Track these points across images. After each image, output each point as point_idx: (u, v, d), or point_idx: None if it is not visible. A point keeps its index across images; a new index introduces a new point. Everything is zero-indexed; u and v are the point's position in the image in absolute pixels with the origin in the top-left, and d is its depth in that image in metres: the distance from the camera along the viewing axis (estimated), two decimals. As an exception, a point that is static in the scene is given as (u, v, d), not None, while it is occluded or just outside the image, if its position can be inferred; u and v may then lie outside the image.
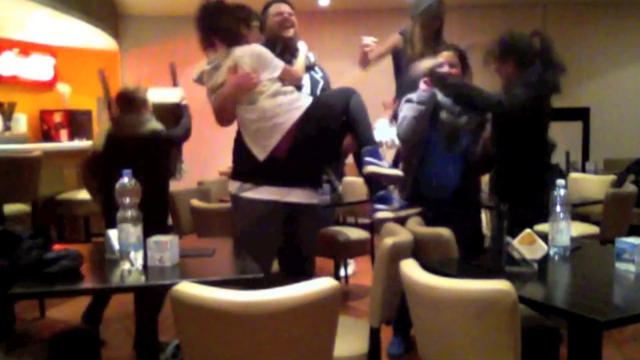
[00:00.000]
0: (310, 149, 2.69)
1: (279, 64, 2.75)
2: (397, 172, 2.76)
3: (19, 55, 6.44)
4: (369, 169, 2.66)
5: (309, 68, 3.05)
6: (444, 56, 3.15)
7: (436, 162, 3.14)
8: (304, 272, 2.84)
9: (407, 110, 3.08)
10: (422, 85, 3.08)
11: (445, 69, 3.08)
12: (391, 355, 3.30)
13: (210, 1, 2.83)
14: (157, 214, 3.30)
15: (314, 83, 3.04)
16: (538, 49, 3.06)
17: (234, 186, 2.81)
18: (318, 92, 3.02)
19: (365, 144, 2.71)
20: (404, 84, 3.65)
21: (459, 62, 3.18)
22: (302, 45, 3.04)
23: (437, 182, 3.12)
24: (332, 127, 2.71)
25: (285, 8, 3.05)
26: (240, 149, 2.81)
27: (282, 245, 2.89)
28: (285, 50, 2.97)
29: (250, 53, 2.74)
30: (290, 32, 3.01)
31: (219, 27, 2.78)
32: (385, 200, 2.75)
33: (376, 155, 2.70)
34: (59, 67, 6.88)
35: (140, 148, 3.38)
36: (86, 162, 3.66)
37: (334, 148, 2.87)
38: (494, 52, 3.07)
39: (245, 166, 2.78)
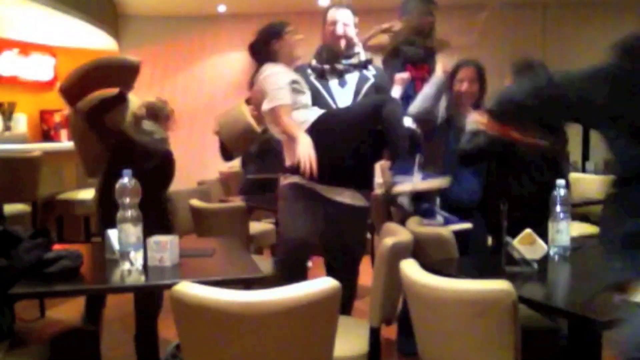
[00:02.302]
0: (330, 156, 2.68)
1: (275, 99, 2.71)
2: (431, 184, 2.72)
3: (19, 55, 6.44)
4: (396, 190, 2.68)
5: (359, 66, 2.99)
6: (464, 72, 3.07)
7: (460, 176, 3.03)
8: (351, 274, 2.89)
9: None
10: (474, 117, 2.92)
11: (465, 86, 3.04)
12: (404, 353, 3.29)
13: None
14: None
15: (361, 79, 2.98)
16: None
17: (282, 178, 2.96)
18: (364, 89, 2.96)
19: (395, 156, 2.72)
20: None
21: (477, 77, 3.07)
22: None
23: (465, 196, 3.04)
24: (351, 135, 2.71)
25: (341, 16, 2.96)
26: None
27: (330, 246, 2.94)
28: (335, 57, 2.95)
29: (263, 77, 2.79)
30: (341, 45, 2.95)
31: (250, 48, 2.91)
32: (429, 213, 2.76)
33: (408, 170, 2.69)
34: (59, 67, 6.87)
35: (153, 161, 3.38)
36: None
37: (365, 153, 2.82)
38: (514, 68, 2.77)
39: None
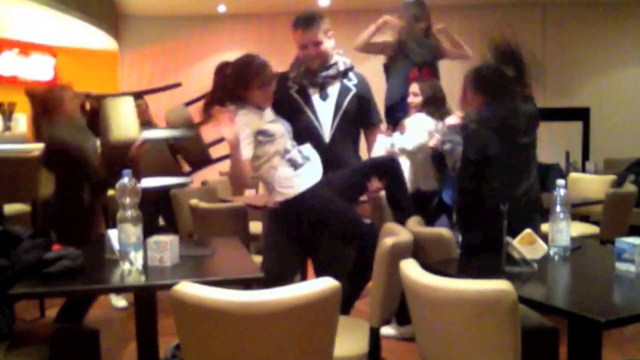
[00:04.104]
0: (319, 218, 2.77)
1: (244, 147, 2.65)
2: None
3: (19, 55, 6.44)
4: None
5: (339, 76, 2.94)
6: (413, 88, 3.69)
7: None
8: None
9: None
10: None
11: (411, 98, 3.67)
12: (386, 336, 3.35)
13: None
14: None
15: (342, 91, 2.93)
16: (509, 81, 2.80)
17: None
18: (346, 102, 2.91)
19: (403, 217, 2.76)
20: (391, 90, 4.11)
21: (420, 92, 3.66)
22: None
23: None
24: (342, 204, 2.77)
25: (309, 38, 2.83)
26: None
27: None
28: (312, 73, 2.91)
29: (239, 125, 2.68)
30: (316, 64, 2.89)
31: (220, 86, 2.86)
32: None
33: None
34: (59, 67, 6.88)
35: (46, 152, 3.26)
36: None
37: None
38: (468, 80, 2.88)
39: None
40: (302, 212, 2.73)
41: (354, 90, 2.95)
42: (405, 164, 3.42)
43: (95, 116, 3.62)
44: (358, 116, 2.97)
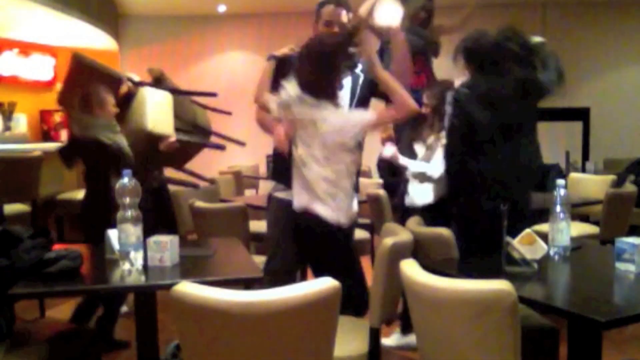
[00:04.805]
0: None
1: None
2: None
3: (19, 55, 6.44)
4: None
5: (352, 67, 2.86)
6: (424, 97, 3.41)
7: None
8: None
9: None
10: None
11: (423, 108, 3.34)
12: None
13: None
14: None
15: (354, 80, 2.87)
16: (509, 54, 2.75)
17: (270, 186, 2.96)
18: (358, 88, 2.86)
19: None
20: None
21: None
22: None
23: None
24: None
25: (338, 16, 2.77)
26: (275, 149, 2.83)
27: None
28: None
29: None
30: None
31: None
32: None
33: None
34: (59, 67, 6.87)
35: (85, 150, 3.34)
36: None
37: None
38: (459, 51, 2.89)
39: (281, 166, 2.81)
40: (305, 234, 2.63)
41: (362, 76, 2.89)
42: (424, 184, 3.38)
43: (128, 100, 3.67)
44: (370, 99, 2.91)
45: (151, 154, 3.68)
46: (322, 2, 2.85)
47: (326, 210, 2.47)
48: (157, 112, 3.79)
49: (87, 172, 3.38)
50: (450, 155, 2.98)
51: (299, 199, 2.54)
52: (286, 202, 2.75)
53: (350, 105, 2.86)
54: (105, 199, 3.12)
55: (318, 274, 2.64)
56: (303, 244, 2.66)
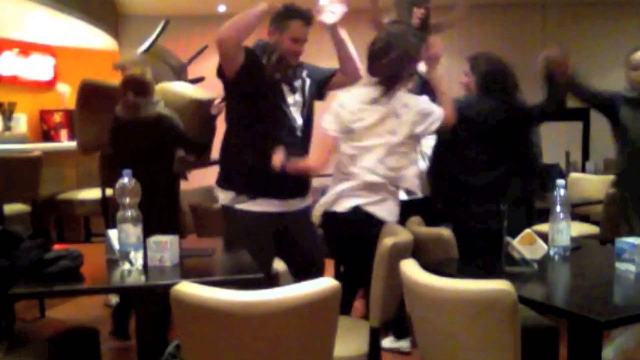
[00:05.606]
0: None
1: None
2: None
3: (19, 55, 6.43)
4: None
5: (298, 76, 2.87)
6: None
7: None
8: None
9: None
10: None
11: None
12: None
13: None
14: (164, 210, 3.29)
15: (303, 85, 2.87)
16: (508, 82, 2.92)
17: (227, 197, 2.78)
18: (307, 92, 2.85)
19: None
20: None
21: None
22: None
23: None
24: None
25: (305, 33, 2.77)
26: (233, 157, 2.79)
27: (290, 254, 2.90)
28: (285, 68, 2.81)
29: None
30: (294, 62, 2.82)
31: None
32: None
33: None
34: (59, 67, 6.87)
35: (146, 130, 3.38)
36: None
37: None
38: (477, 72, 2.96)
39: (239, 176, 2.77)
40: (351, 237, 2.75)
41: (308, 81, 2.89)
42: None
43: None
44: (320, 93, 2.98)
45: (203, 124, 3.63)
46: (291, 14, 2.76)
47: (382, 210, 2.67)
48: (183, 85, 3.96)
49: (147, 155, 3.33)
50: (435, 159, 3.11)
51: (351, 201, 2.67)
52: (257, 213, 2.72)
53: (302, 110, 2.84)
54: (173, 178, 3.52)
55: (355, 276, 2.82)
56: (343, 246, 2.85)
